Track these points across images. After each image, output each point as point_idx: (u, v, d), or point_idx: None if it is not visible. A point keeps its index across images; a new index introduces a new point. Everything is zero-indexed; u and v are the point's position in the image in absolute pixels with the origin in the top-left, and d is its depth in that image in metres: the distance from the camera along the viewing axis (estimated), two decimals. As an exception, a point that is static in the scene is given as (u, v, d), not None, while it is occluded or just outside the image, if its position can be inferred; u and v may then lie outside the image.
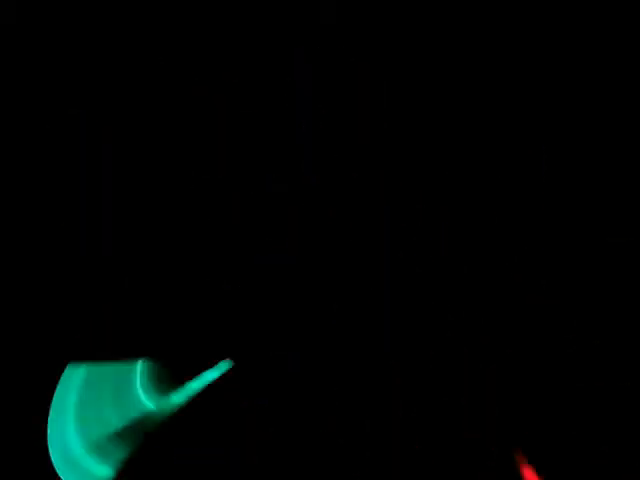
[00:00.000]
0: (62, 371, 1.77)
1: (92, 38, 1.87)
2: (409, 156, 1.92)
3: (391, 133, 1.92)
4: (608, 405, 1.81)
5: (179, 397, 1.72)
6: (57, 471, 1.56)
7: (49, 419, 1.60)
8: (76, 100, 1.88)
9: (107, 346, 1.83)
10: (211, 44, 1.90)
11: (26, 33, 1.84)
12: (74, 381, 1.67)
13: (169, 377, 1.75)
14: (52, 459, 1.57)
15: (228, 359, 1.78)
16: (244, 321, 1.88)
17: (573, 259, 1.89)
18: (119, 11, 1.87)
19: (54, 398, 1.63)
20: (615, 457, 1.78)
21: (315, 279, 1.90)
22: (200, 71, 1.90)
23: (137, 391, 1.71)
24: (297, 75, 1.89)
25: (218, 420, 1.82)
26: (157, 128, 1.91)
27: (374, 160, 1.92)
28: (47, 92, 1.87)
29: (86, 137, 1.89)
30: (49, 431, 1.59)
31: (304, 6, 1.87)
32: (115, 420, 1.64)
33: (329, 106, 1.91)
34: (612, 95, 1.90)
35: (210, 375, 1.77)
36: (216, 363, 1.78)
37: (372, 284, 1.91)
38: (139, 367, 1.71)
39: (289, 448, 1.82)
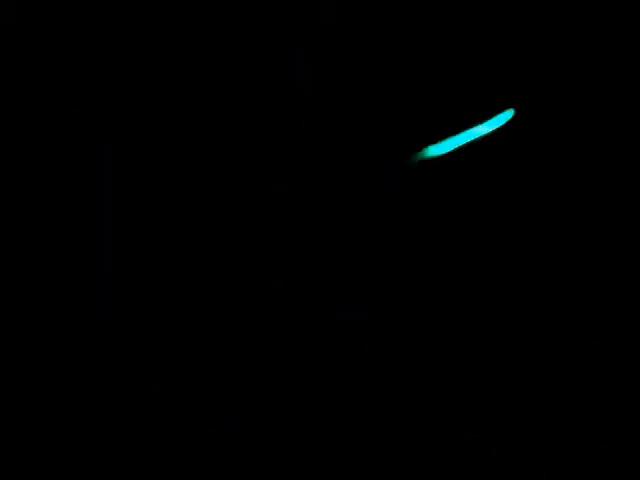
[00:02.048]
0: (61, 371, 1.77)
1: (92, 38, 1.87)
2: (409, 154, 1.92)
3: (391, 133, 1.92)
4: (608, 405, 1.81)
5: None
6: None
7: None
8: (76, 100, 1.88)
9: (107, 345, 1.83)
10: (211, 44, 1.90)
11: (26, 33, 1.84)
12: None
13: None
14: None
15: None
16: (243, 321, 1.88)
17: (573, 259, 1.89)
18: (119, 11, 1.87)
19: None
20: (615, 457, 1.78)
21: (314, 279, 1.90)
22: (200, 71, 1.90)
23: None
24: (297, 75, 1.89)
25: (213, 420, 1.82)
26: (157, 128, 1.90)
27: (374, 160, 1.92)
28: (47, 92, 1.87)
29: (86, 137, 1.89)
30: None
31: (304, 6, 1.86)
32: None
33: (329, 106, 1.91)
34: (612, 96, 1.90)
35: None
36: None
37: (371, 284, 1.91)
38: None
39: (288, 447, 1.82)
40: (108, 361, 1.82)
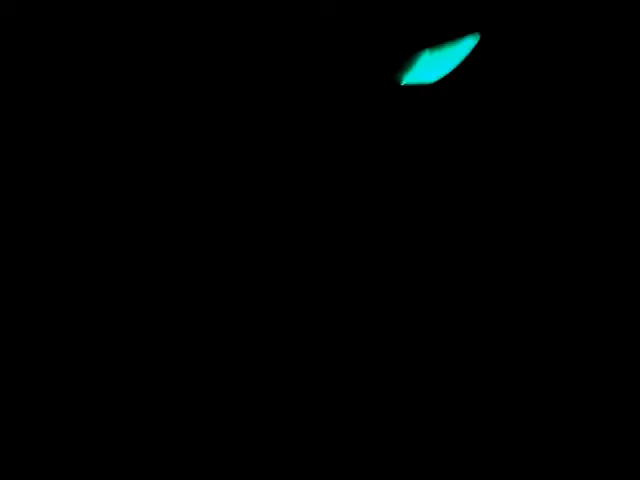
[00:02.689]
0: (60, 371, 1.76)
1: (92, 35, 1.86)
2: (408, 151, 1.92)
3: (392, 129, 1.92)
4: (608, 405, 1.82)
5: None
6: None
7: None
8: (76, 100, 1.87)
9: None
10: (210, 40, 1.89)
11: (26, 27, 1.83)
12: None
13: None
14: None
15: None
16: (243, 321, 1.88)
17: (573, 259, 1.89)
18: (119, 7, 1.86)
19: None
20: (615, 457, 1.79)
21: (314, 279, 1.90)
22: (199, 68, 1.90)
23: None
24: (297, 69, 1.89)
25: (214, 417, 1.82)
26: (157, 128, 1.90)
27: (375, 156, 1.92)
28: (47, 90, 1.86)
29: (86, 137, 1.88)
30: None
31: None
32: None
33: (329, 101, 1.91)
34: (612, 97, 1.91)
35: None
36: None
37: (371, 284, 1.90)
38: None
39: (287, 448, 1.81)
40: (107, 359, 1.81)
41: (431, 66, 1.89)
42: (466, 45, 1.87)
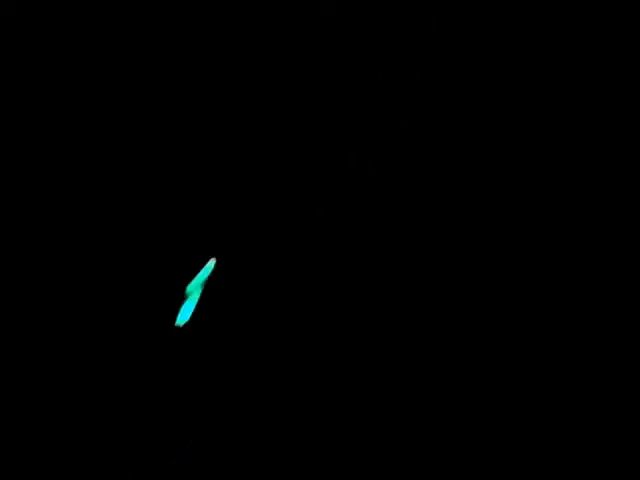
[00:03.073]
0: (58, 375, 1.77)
1: (93, 35, 1.87)
2: (409, 150, 1.92)
3: (392, 129, 1.92)
4: (608, 405, 1.81)
5: None
6: None
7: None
8: (76, 100, 1.87)
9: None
10: (210, 38, 1.89)
11: (26, 27, 1.83)
12: None
13: None
14: None
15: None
16: (243, 320, 1.88)
17: (573, 259, 1.89)
18: (119, 7, 1.87)
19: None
20: (615, 457, 1.78)
21: (312, 278, 1.90)
22: (199, 67, 1.90)
23: None
24: (297, 70, 1.89)
25: (210, 419, 1.81)
26: (157, 128, 1.90)
27: (374, 156, 1.92)
28: (47, 90, 1.86)
29: (86, 137, 1.88)
30: None
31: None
32: None
33: (330, 101, 1.91)
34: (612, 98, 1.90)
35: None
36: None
37: (371, 285, 1.90)
38: None
39: (287, 448, 1.81)
40: (107, 359, 1.81)
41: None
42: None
